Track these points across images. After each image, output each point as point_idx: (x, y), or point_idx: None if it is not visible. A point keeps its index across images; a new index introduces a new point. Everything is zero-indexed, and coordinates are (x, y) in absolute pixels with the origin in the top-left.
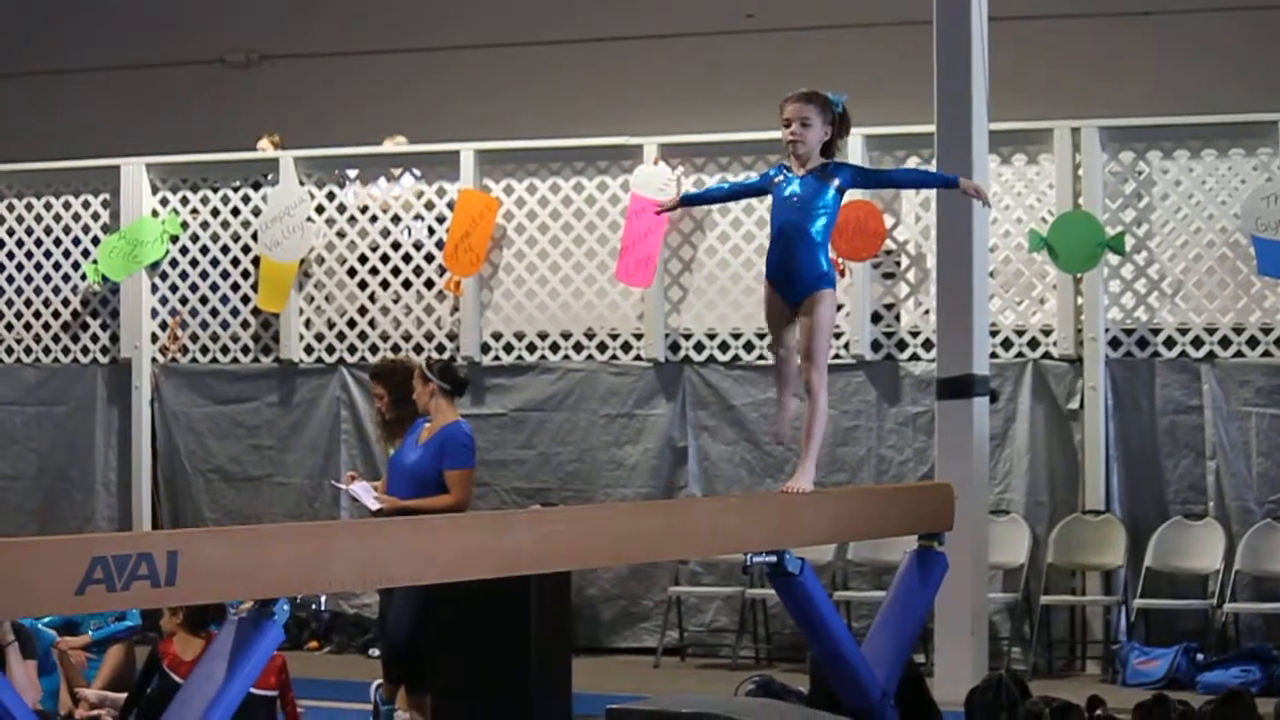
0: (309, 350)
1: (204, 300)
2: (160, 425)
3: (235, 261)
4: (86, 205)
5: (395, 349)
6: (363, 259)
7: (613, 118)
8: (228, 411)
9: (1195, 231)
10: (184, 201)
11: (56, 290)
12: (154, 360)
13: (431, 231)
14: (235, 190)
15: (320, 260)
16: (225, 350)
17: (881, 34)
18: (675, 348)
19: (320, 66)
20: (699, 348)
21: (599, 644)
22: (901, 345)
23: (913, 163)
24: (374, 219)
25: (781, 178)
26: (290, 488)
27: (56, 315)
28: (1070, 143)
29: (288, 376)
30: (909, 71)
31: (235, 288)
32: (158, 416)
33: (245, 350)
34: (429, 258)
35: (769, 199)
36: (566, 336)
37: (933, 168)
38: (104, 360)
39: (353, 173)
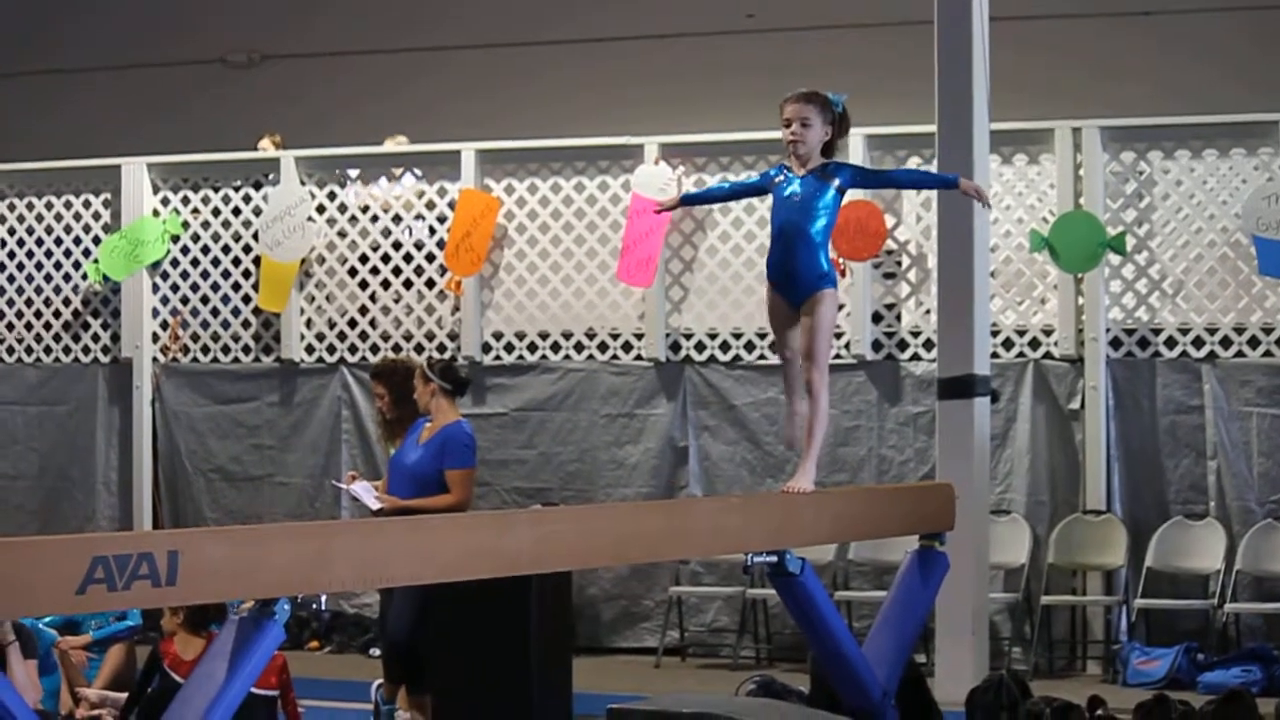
0: (310, 350)
1: (205, 300)
2: (161, 425)
3: (236, 261)
4: (87, 205)
5: (396, 349)
6: (364, 259)
7: (613, 118)
8: (229, 411)
9: (1196, 231)
10: (185, 201)
11: (58, 290)
12: (155, 360)
13: (432, 231)
14: (236, 190)
15: (321, 260)
16: (226, 350)
17: (882, 34)
18: (676, 347)
19: (321, 66)
20: (700, 347)
21: (600, 644)
22: (902, 345)
23: (914, 163)
24: (375, 219)
25: (782, 178)
26: (291, 487)
27: (58, 315)
28: (1071, 143)
29: (289, 376)
30: (910, 71)
31: (236, 287)
32: (159, 416)
33: (246, 350)
34: (430, 257)
35: (770, 198)
36: (567, 336)
37: (934, 168)
38: (105, 360)
39: (354, 172)
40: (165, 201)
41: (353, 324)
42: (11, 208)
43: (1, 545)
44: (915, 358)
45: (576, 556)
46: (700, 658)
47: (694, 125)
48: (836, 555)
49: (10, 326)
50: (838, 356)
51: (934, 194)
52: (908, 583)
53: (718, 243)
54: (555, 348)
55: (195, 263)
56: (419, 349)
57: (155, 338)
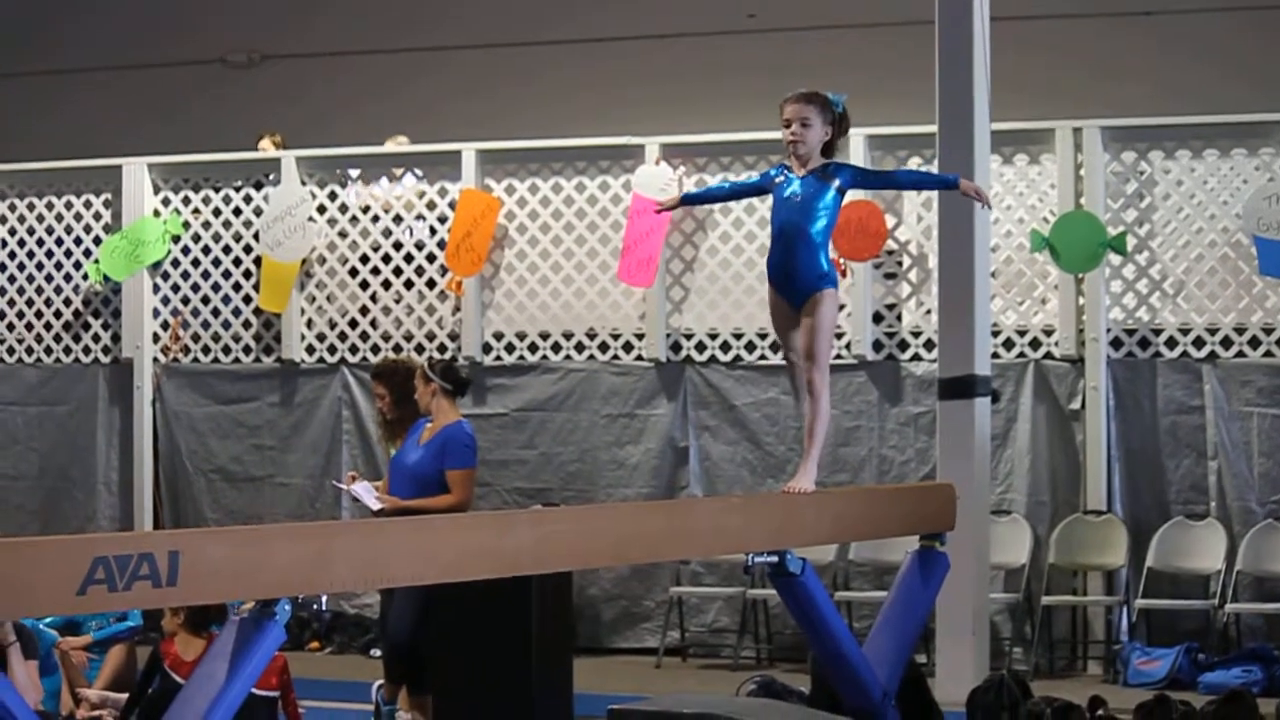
0: (310, 350)
1: (205, 300)
2: (162, 425)
3: (237, 261)
4: (88, 205)
5: (397, 349)
6: (364, 259)
7: (614, 118)
8: (229, 411)
9: (1197, 231)
10: (185, 201)
11: (58, 290)
12: (155, 360)
13: (433, 231)
14: (237, 190)
15: (322, 260)
16: (227, 350)
17: (883, 34)
18: (677, 348)
19: (321, 66)
20: (700, 348)
21: (600, 644)
22: (903, 345)
23: (914, 163)
24: (375, 219)
25: (782, 178)
26: (292, 488)
27: (58, 315)
28: (1072, 143)
29: (289, 376)
30: (910, 71)
31: (237, 288)
32: (159, 416)
33: (247, 350)
34: (430, 258)
35: (771, 198)
36: (568, 336)
37: (935, 168)
38: (105, 360)
39: (354, 172)
40: (166, 202)
41: (353, 324)
42: (12, 208)
43: (2, 545)
44: (916, 358)
45: (577, 557)
46: (701, 658)
47: (695, 125)
48: (837, 555)
49: (11, 327)
50: (838, 357)
51: (935, 194)
52: (908, 583)
53: (718, 243)
54: (556, 348)
55: (196, 263)
56: (420, 349)
57: (156, 338)
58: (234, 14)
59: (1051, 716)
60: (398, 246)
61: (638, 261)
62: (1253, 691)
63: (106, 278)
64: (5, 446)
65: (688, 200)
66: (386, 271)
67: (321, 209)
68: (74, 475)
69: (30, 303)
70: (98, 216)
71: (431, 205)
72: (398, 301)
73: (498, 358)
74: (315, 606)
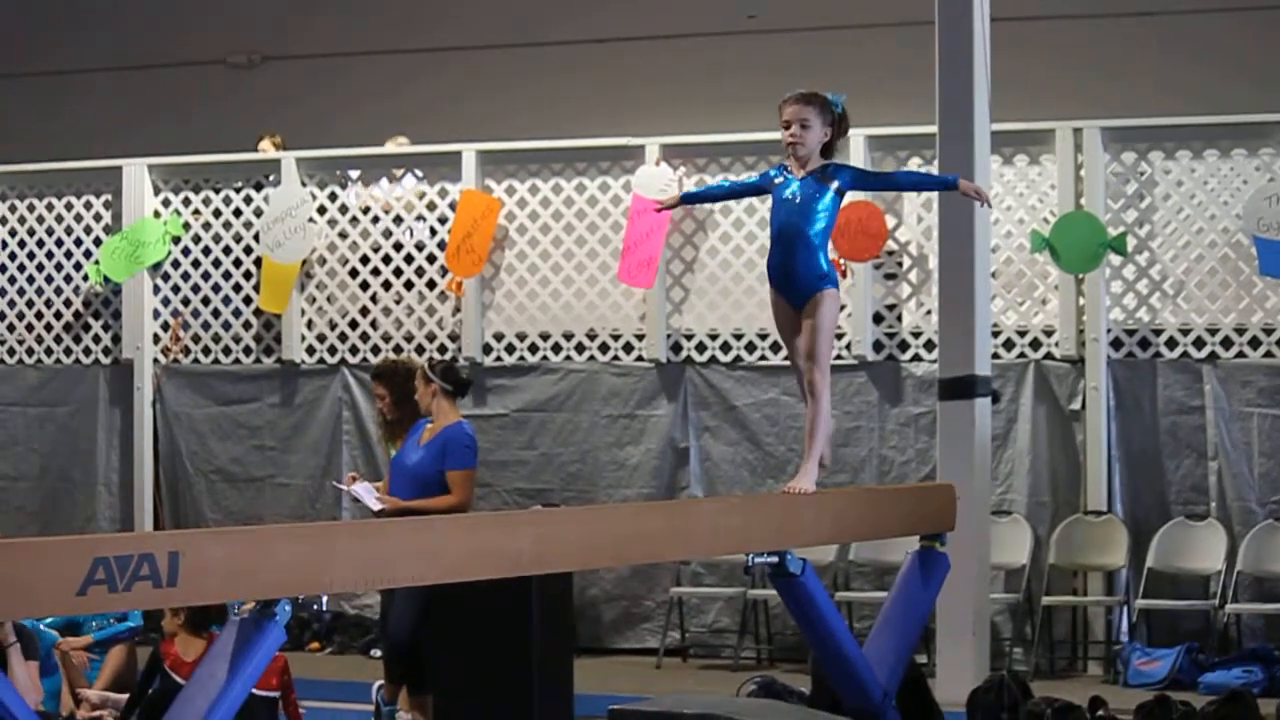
0: (311, 351)
1: (206, 301)
2: (162, 426)
3: (237, 262)
4: (88, 206)
5: (397, 350)
6: (364, 260)
7: (614, 118)
8: (229, 412)
9: (1197, 232)
10: (186, 202)
11: (58, 291)
12: (156, 361)
13: (433, 232)
14: (237, 191)
15: (322, 261)
16: (227, 351)
17: (883, 34)
18: (677, 348)
19: (321, 67)
20: (701, 348)
21: (601, 644)
22: (903, 346)
23: (915, 163)
24: (376, 220)
25: (781, 179)
26: (292, 488)
27: (58, 316)
28: (1072, 143)
29: (289, 377)
30: (911, 72)
31: (237, 288)
32: (159, 417)
33: (247, 351)
34: (431, 258)
35: (771, 199)
36: (568, 337)
37: (935, 168)
38: (106, 361)
39: (354, 173)
40: (166, 203)
41: (354, 325)
42: (13, 209)
43: (2, 546)
44: (916, 358)
45: (578, 557)
46: (701, 658)
47: (695, 126)
48: (837, 556)
49: (11, 328)
50: (839, 357)
51: (935, 195)
52: (909, 583)
53: (719, 244)
54: (556, 349)
55: (196, 264)
56: (420, 350)
57: (156, 339)
58: (234, 15)
59: (1052, 717)
60: (398, 247)
61: (638, 262)
62: (1253, 692)
63: (107, 279)
64: (6, 447)
65: (687, 199)
66: (387, 272)
67: (322, 210)
68: (74, 476)
69: (31, 304)
70: (98, 217)
71: (432, 206)
72: (398, 302)
73: (498, 358)
74: (315, 607)
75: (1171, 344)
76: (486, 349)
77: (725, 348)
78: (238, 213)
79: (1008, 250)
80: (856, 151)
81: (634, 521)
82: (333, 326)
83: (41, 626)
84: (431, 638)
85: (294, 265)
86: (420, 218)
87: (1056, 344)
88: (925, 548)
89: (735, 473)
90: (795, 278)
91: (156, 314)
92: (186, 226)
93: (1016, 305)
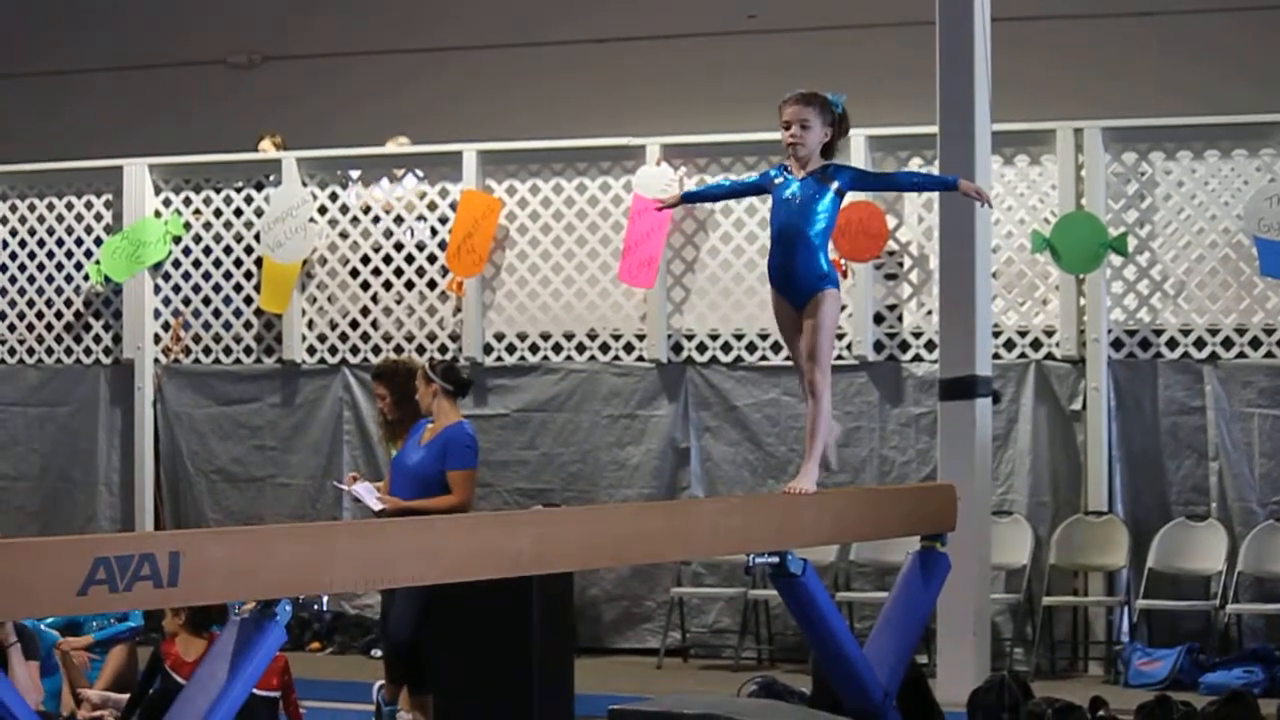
0: (311, 351)
1: (206, 301)
2: (163, 426)
3: (238, 262)
4: (89, 206)
5: (398, 350)
6: (365, 260)
7: (615, 118)
8: (230, 412)
9: (1198, 232)
10: (186, 202)
11: (59, 291)
12: (156, 361)
13: (434, 232)
14: (238, 191)
15: (323, 261)
16: (228, 351)
17: (883, 34)
18: (678, 348)
19: (322, 67)
20: (701, 348)
21: (601, 644)
22: (904, 346)
23: (915, 163)
24: (376, 220)
25: (781, 179)
26: (292, 488)
27: (59, 316)
28: (1073, 143)
29: (290, 377)
30: (911, 72)
31: (238, 288)
32: (160, 417)
33: (248, 351)
34: (431, 258)
35: (771, 198)
36: (569, 337)
37: (935, 168)
38: (106, 361)
39: (355, 173)
40: (167, 202)
41: (354, 325)
42: (13, 209)
43: (3, 546)
44: (917, 359)
45: (578, 557)
46: (702, 659)
47: (696, 126)
48: (838, 556)
49: (12, 328)
50: (839, 358)
51: (936, 195)
52: (909, 583)
53: (719, 244)
54: (557, 349)
55: (197, 264)
56: (420, 350)
57: (157, 339)
58: (235, 15)
59: (1053, 717)
60: (399, 247)
61: (639, 262)
62: (1254, 692)
63: (107, 278)
64: (6, 447)
65: (688, 198)
66: (387, 272)
67: (322, 210)
68: (75, 476)
69: (31, 304)
70: (99, 217)
71: (432, 206)
72: (399, 302)
73: (499, 358)
74: (316, 607)
75: (1172, 344)
76: (487, 349)
77: (726, 348)
78: (238, 213)
79: (1008, 250)
80: (857, 151)
81: (634, 521)
82: (333, 326)
83: (42, 626)
84: (432, 638)
85: (295, 265)
86: (421, 218)
87: (1057, 344)
88: (926, 548)
89: (736, 473)
90: (796, 278)
91: (157, 314)
92: (187, 226)
93: (1017, 305)
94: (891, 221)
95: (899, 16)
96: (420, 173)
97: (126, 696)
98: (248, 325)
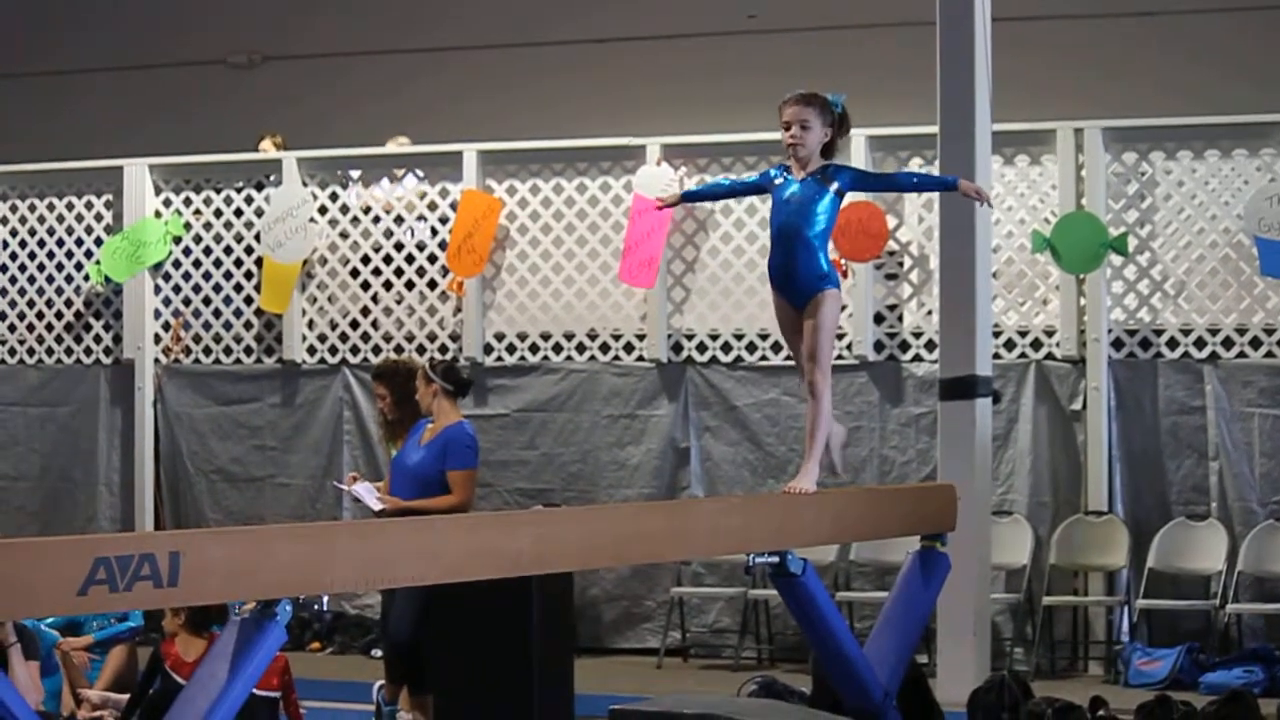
0: (312, 351)
1: (207, 301)
2: (163, 426)
3: (238, 262)
4: (89, 206)
5: (398, 350)
6: (365, 260)
7: (615, 118)
8: (230, 412)
9: (1198, 232)
10: (187, 202)
11: (59, 291)
12: (157, 361)
13: (434, 232)
14: (238, 191)
15: (323, 261)
16: (228, 351)
17: (884, 34)
18: (678, 348)
19: (322, 67)
20: (701, 348)
21: (601, 644)
22: (904, 346)
23: (915, 163)
24: (377, 220)
25: (781, 179)
26: (293, 488)
27: (59, 316)
28: (1073, 143)
29: (290, 377)
30: (911, 72)
31: (238, 288)
32: (160, 417)
33: (248, 351)
34: (432, 258)
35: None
36: (569, 337)
37: (936, 168)
38: (107, 361)
39: (355, 173)
40: (167, 203)
41: (354, 325)
42: (13, 209)
43: (3, 546)
44: (917, 359)
45: (578, 557)
46: (702, 658)
47: (696, 126)
48: (838, 556)
49: (12, 328)
50: (840, 358)
51: (936, 195)
52: (909, 583)
53: (719, 244)
54: (557, 349)
55: (197, 264)
56: (421, 350)
57: (157, 339)
58: (235, 15)
59: (1053, 717)
60: (399, 247)
61: (639, 262)
62: (1254, 692)
63: (108, 279)
64: (7, 447)
65: (688, 197)
66: (388, 272)
67: (323, 210)
68: (75, 476)
69: (31, 304)
70: (99, 217)
71: (433, 206)
72: (399, 302)
73: (499, 358)
74: (316, 607)
75: (1172, 344)
76: (487, 349)
77: (726, 348)
78: (239, 213)
79: (1009, 250)
80: (857, 151)
81: (634, 521)
82: (334, 326)
83: (42, 626)
84: (432, 638)
85: (295, 265)
86: (421, 218)
87: (1057, 344)
88: (926, 548)
89: (736, 473)
90: (796, 278)
91: (157, 314)
92: (187, 226)
93: (1017, 305)
94: (891, 221)
95: (899, 16)
96: (420, 173)
97: (126, 696)
98: (248, 325)
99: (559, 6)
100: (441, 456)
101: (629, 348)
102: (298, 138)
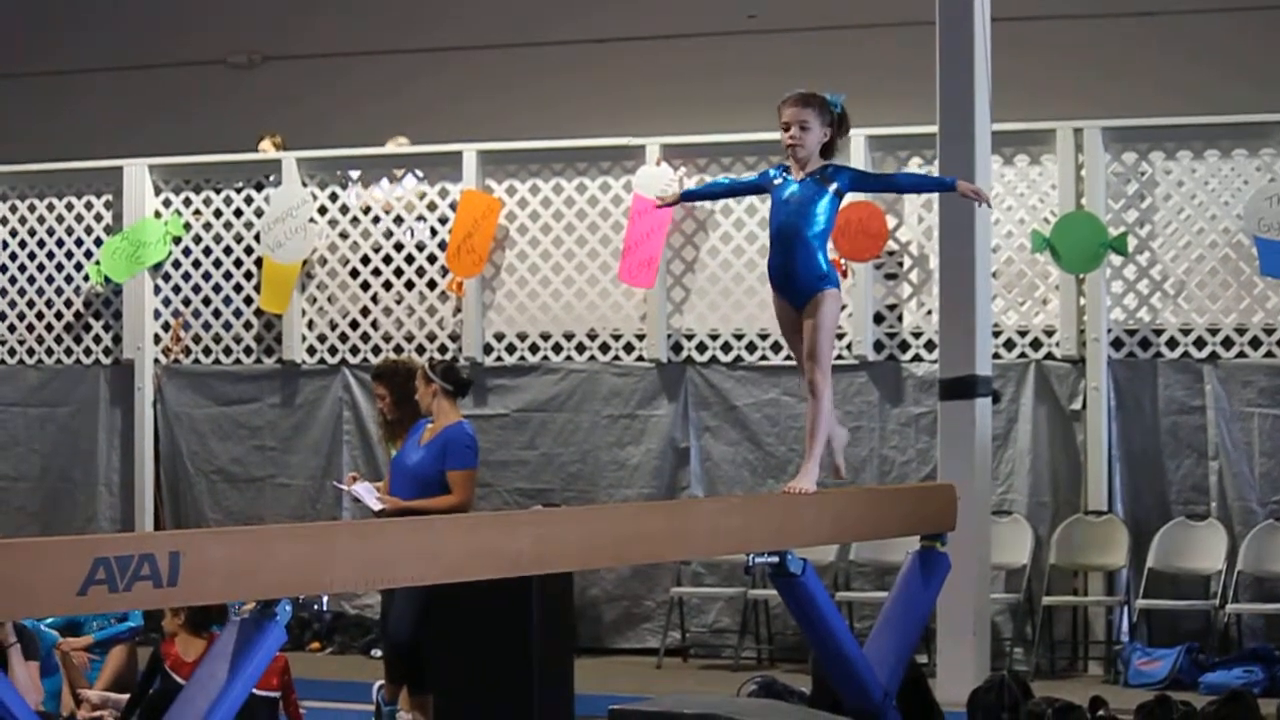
0: (311, 351)
1: (206, 301)
2: (163, 426)
3: (238, 262)
4: (89, 206)
5: (398, 350)
6: (365, 260)
7: (615, 118)
8: (230, 412)
9: (1198, 232)
10: (186, 202)
11: (59, 291)
12: (156, 361)
13: (434, 232)
14: (238, 191)
15: (323, 261)
16: (228, 351)
17: (883, 34)
18: (678, 348)
19: (322, 67)
20: (701, 348)
21: (601, 644)
22: (904, 346)
23: (915, 163)
24: (376, 220)
25: (780, 179)
26: (292, 488)
27: (59, 316)
28: (1073, 143)
29: (290, 377)
30: (911, 72)
31: (238, 289)
32: (160, 417)
33: (248, 351)
34: (431, 259)
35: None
36: (569, 337)
37: (935, 168)
38: (106, 361)
39: (355, 174)
40: (167, 203)
41: (354, 325)
42: (13, 209)
43: (3, 546)
44: (917, 358)
45: (578, 557)
46: (702, 658)
47: (696, 126)
48: (838, 556)
49: (12, 328)
50: (839, 357)
51: (935, 195)
52: (909, 583)
53: (719, 244)
54: (557, 349)
55: (197, 264)
56: (420, 350)
57: (157, 339)
58: (235, 15)
59: (1052, 717)
60: (398, 247)
61: (639, 262)
62: (1253, 692)
63: (107, 279)
64: (6, 448)
65: (687, 196)
66: (387, 272)
67: (322, 210)
68: (75, 476)
69: (31, 304)
70: (99, 218)
71: (432, 206)
72: (398, 302)
73: (498, 358)
74: (316, 607)
75: (1172, 344)
76: (487, 349)
77: (726, 348)
78: (238, 213)
79: (1008, 250)
80: (857, 152)
81: (634, 521)
82: (333, 327)
83: (42, 626)
84: (432, 638)
85: (294, 265)
86: (421, 218)
87: (1057, 344)
88: (926, 548)
89: (736, 473)
90: (795, 279)
91: (157, 314)
92: (187, 227)
93: (1017, 305)
94: (891, 221)
95: (899, 16)
96: (420, 173)
97: (126, 696)
98: (248, 325)
99: (559, 6)
100: (441, 456)
101: (629, 348)
102: (298, 138)
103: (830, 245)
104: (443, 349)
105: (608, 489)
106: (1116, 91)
